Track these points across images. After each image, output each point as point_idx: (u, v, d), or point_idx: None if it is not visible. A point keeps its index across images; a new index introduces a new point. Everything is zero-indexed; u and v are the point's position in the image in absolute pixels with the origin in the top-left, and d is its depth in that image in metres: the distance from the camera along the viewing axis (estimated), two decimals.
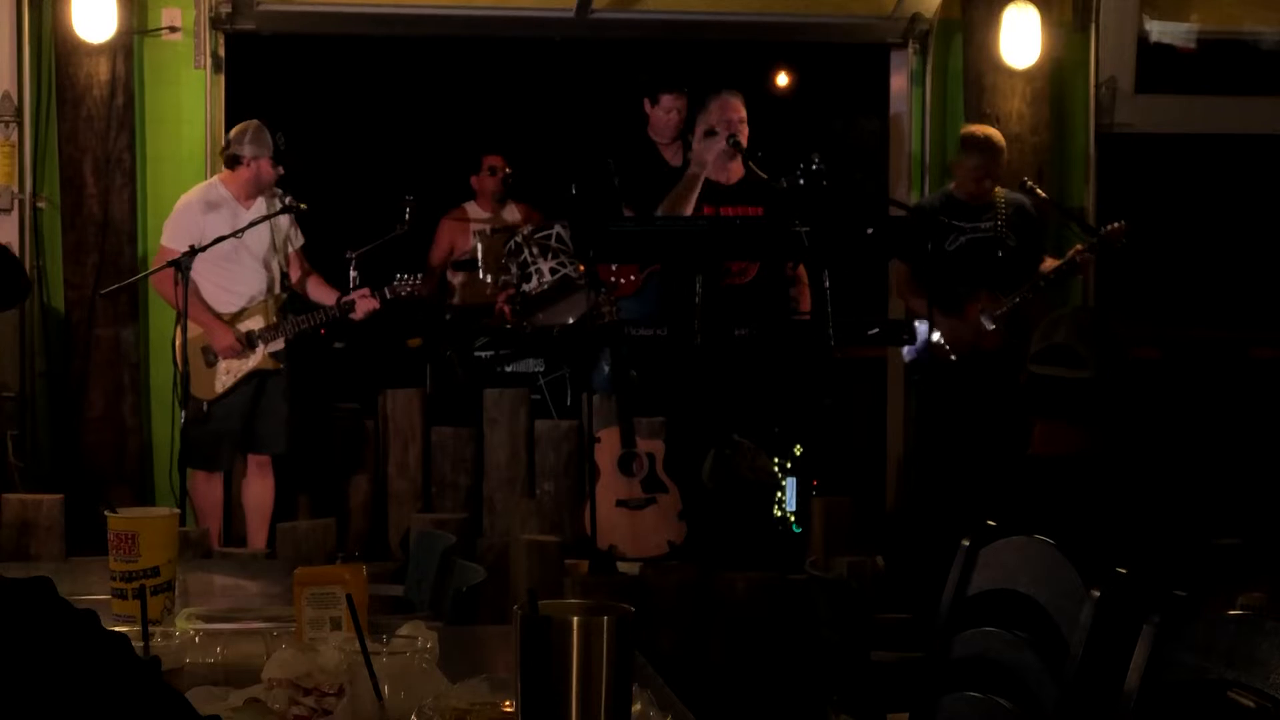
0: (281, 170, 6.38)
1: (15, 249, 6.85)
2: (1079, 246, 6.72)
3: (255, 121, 6.39)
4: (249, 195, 6.38)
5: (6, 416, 6.66)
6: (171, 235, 6.31)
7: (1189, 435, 6.75)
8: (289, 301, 6.55)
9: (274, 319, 6.39)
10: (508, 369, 7.24)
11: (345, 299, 6.45)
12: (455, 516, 5.95)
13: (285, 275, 6.54)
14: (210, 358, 6.32)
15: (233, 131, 6.45)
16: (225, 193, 6.39)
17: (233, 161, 6.40)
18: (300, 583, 2.33)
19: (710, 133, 6.65)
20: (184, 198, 6.44)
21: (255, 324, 6.37)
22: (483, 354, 7.25)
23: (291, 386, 6.47)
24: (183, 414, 6.22)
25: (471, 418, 6.60)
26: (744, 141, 6.69)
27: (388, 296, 6.46)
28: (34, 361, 6.88)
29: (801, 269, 6.93)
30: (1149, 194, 8.28)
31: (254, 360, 6.36)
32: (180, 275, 6.09)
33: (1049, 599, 2.36)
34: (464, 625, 3.07)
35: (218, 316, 6.33)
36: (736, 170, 6.79)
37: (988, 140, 6.72)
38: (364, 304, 6.44)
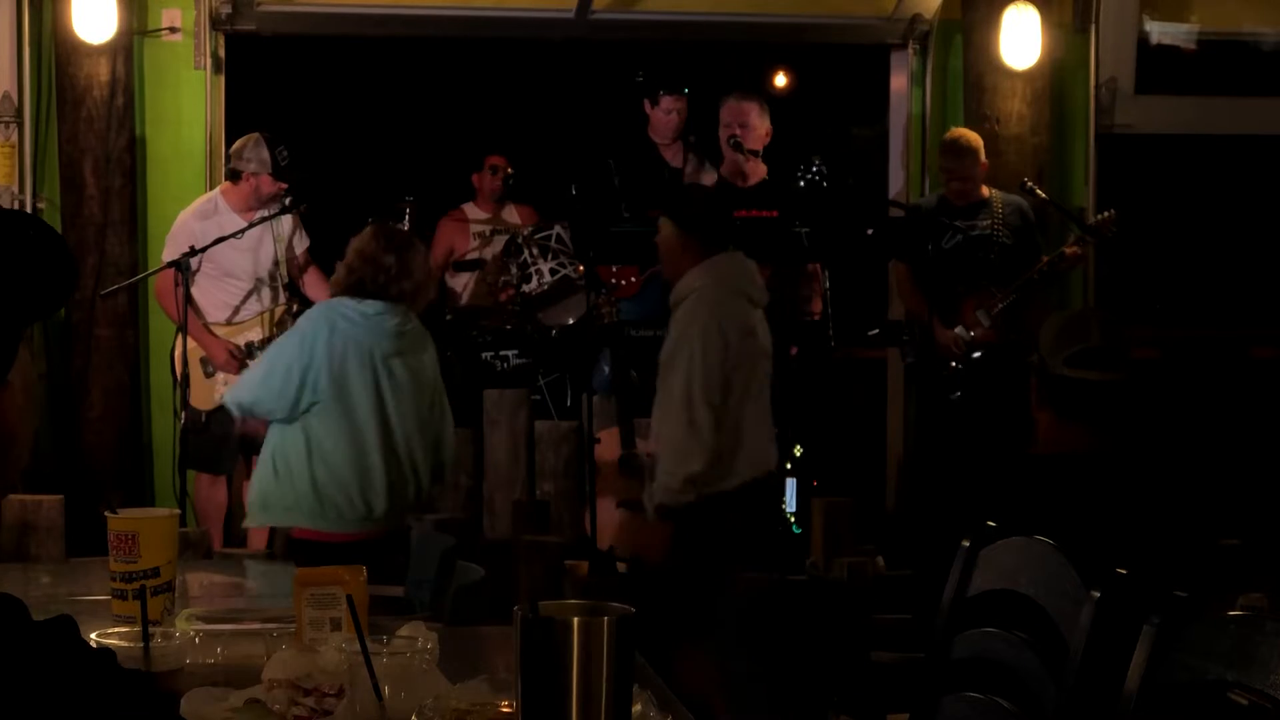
0: (284, 186, 6.33)
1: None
2: (1069, 239, 6.74)
3: (256, 134, 6.34)
4: (249, 208, 6.35)
5: None
6: (171, 251, 6.29)
7: (1189, 435, 6.75)
8: (294, 308, 6.52)
9: (274, 330, 6.37)
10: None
11: None
12: (455, 517, 5.94)
13: (289, 286, 6.49)
14: (209, 369, 6.31)
15: (234, 144, 6.43)
16: (224, 205, 6.38)
17: (233, 175, 6.39)
18: (300, 583, 2.34)
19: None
20: (182, 214, 6.43)
21: (255, 335, 6.35)
22: (483, 354, 7.23)
23: None
24: (183, 415, 6.22)
25: (471, 418, 6.59)
26: (745, 144, 6.68)
27: None
28: (34, 361, 6.87)
29: (818, 270, 6.91)
30: (1149, 194, 8.28)
31: None
32: (179, 277, 6.08)
33: (1049, 600, 2.36)
34: (464, 626, 3.07)
35: (216, 333, 6.30)
36: (754, 173, 6.78)
37: (956, 144, 6.71)
38: None
